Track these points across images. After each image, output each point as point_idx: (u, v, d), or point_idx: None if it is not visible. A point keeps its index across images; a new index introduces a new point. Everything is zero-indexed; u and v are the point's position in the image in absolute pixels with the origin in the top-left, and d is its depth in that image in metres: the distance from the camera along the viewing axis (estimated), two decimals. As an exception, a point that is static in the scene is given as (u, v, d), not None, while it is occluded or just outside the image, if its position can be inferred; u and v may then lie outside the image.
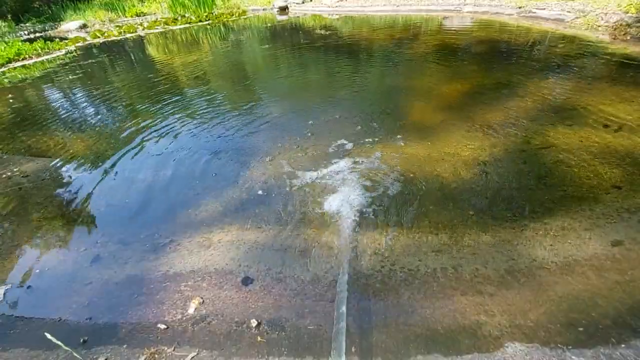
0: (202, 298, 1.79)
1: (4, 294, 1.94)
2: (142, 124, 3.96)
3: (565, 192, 2.26)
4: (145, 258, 2.09)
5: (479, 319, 1.55)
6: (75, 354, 1.54)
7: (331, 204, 2.36)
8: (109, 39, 10.27)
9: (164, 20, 12.09)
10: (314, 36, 7.93)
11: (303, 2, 12.13)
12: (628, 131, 2.80)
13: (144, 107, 4.54)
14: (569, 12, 6.68)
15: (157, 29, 11.21)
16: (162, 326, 1.67)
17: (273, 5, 12.67)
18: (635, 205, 2.09)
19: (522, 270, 1.77)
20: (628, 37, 5.24)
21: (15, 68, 7.59)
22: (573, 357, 1.36)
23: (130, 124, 4.04)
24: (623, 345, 1.38)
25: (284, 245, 2.09)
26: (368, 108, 3.83)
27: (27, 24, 13.85)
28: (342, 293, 1.69)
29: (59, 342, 1.50)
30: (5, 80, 6.64)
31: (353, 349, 1.48)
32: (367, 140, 3.09)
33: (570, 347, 1.40)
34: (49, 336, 1.51)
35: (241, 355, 1.51)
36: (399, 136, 3.12)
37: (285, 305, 1.72)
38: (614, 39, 5.31)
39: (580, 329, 1.46)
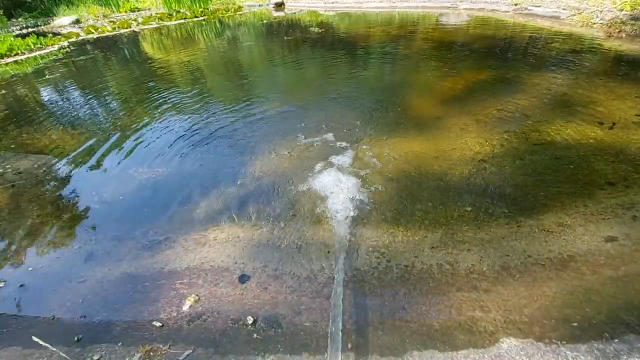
0: (197, 295, 1.78)
1: (-3, 292, 1.92)
2: (136, 121, 3.92)
3: (560, 188, 2.27)
4: (140, 255, 2.08)
5: (475, 315, 1.56)
6: (62, 354, 1.52)
7: (327, 200, 2.36)
8: (103, 35, 10.14)
9: (158, 15, 11.97)
10: (310, 33, 7.89)
11: (299, -2, 12.05)
12: (622, 128, 2.82)
13: (137, 103, 4.49)
14: (565, 9, 6.71)
15: (151, 24, 11.10)
16: (158, 324, 1.66)
17: (269, 1, 12.59)
18: (628, 201, 2.10)
19: (517, 266, 1.78)
20: (623, 35, 5.27)
21: (7, 64, 7.47)
22: (567, 352, 1.37)
23: (123, 120, 4.00)
24: (616, 340, 1.40)
25: (280, 242, 2.08)
26: (365, 105, 3.81)
27: (20, 19, 13.65)
28: (338, 290, 1.69)
29: (47, 344, 1.49)
30: (-3, 76, 6.55)
31: (349, 346, 1.48)
32: (364, 136, 3.09)
33: (564, 342, 1.41)
34: (35, 339, 1.50)
35: (237, 352, 1.50)
36: (395, 132, 3.11)
37: (282, 302, 1.72)
38: (609, 36, 5.34)
39: (575, 324, 1.48)
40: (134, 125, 3.81)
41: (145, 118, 3.97)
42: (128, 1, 13.95)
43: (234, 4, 12.78)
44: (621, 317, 1.48)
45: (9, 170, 3.11)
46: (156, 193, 2.66)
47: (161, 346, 1.56)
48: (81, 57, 7.56)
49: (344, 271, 1.82)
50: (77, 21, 12.64)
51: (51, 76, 6.28)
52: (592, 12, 6.19)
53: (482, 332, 1.49)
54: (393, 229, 2.08)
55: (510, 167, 2.53)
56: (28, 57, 7.89)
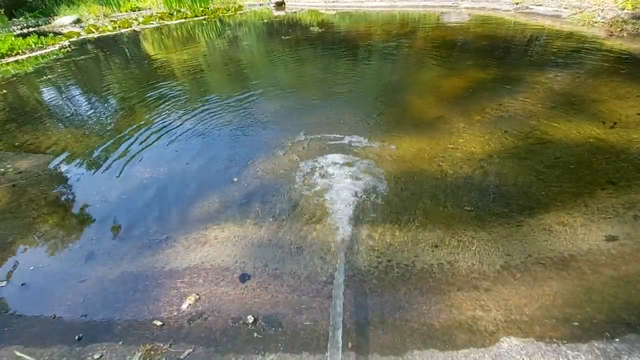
0: (198, 294, 1.78)
1: (-2, 291, 1.93)
2: (136, 120, 3.93)
3: (561, 187, 2.27)
4: (141, 255, 2.08)
5: (475, 314, 1.56)
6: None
7: (328, 200, 2.36)
8: (104, 34, 10.15)
9: (159, 15, 11.97)
10: (311, 32, 7.89)
11: (300, -2, 12.04)
12: (623, 127, 2.82)
13: (138, 103, 4.49)
14: (566, 8, 6.69)
15: (152, 24, 11.10)
16: (158, 323, 1.66)
17: (269, 0, 12.58)
18: (629, 200, 2.10)
19: (517, 265, 1.77)
20: (624, 34, 5.26)
21: (8, 63, 7.47)
22: (568, 351, 1.37)
23: (124, 120, 4.00)
24: (617, 339, 1.40)
25: (280, 242, 2.08)
26: (365, 104, 3.81)
27: (20, 19, 13.65)
28: (338, 289, 1.69)
29: (29, 358, 1.50)
30: (-2, 75, 6.55)
31: (350, 345, 1.48)
32: (364, 136, 3.08)
33: (565, 341, 1.41)
34: (19, 354, 1.51)
35: (238, 351, 1.51)
36: (396, 131, 3.11)
37: (282, 302, 1.72)
38: (610, 35, 5.32)
39: (575, 323, 1.47)
40: (134, 125, 3.81)
41: (146, 117, 3.97)
42: (129, 1, 13.95)
43: (235, 3, 12.78)
44: (622, 317, 1.48)
45: (10, 169, 3.12)
46: (157, 192, 2.66)
47: (162, 345, 1.56)
48: (82, 57, 7.57)
49: (345, 270, 1.82)
50: (78, 21, 12.65)
51: (52, 76, 6.29)
52: (593, 11, 6.18)
53: (483, 331, 1.48)
54: (393, 228, 2.08)
55: (511, 166, 2.52)
56: (29, 57, 7.90)
